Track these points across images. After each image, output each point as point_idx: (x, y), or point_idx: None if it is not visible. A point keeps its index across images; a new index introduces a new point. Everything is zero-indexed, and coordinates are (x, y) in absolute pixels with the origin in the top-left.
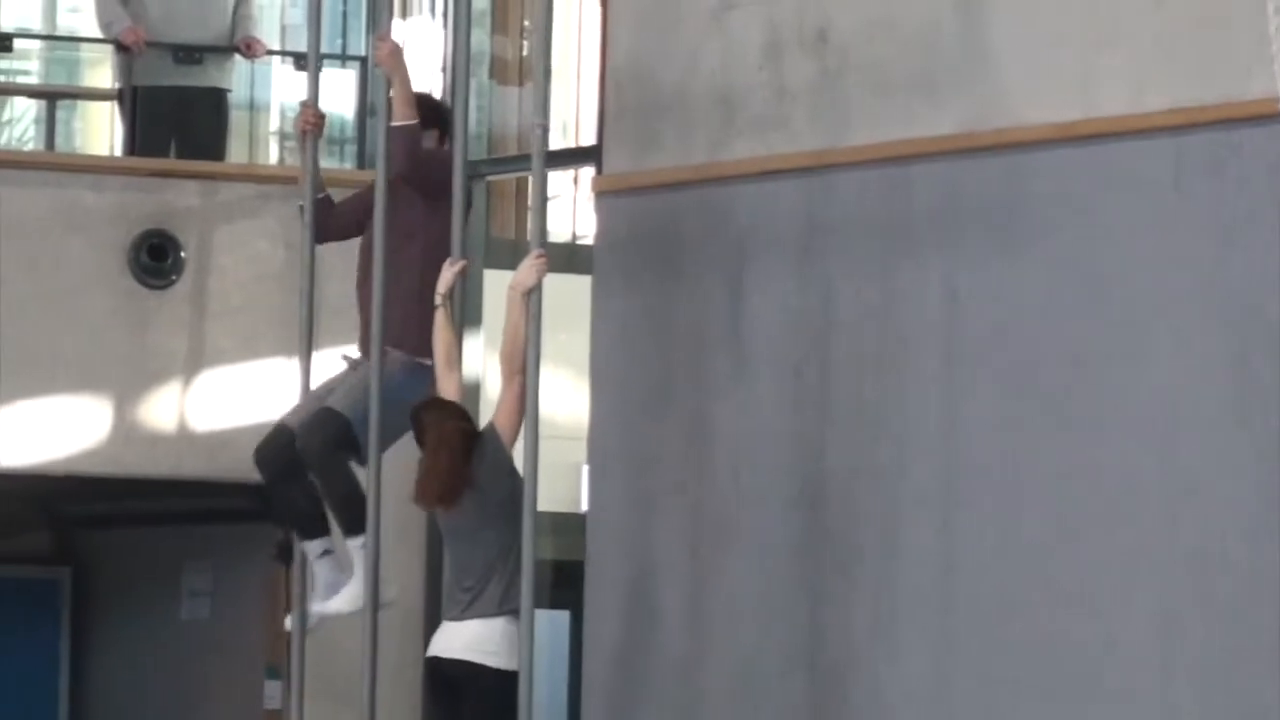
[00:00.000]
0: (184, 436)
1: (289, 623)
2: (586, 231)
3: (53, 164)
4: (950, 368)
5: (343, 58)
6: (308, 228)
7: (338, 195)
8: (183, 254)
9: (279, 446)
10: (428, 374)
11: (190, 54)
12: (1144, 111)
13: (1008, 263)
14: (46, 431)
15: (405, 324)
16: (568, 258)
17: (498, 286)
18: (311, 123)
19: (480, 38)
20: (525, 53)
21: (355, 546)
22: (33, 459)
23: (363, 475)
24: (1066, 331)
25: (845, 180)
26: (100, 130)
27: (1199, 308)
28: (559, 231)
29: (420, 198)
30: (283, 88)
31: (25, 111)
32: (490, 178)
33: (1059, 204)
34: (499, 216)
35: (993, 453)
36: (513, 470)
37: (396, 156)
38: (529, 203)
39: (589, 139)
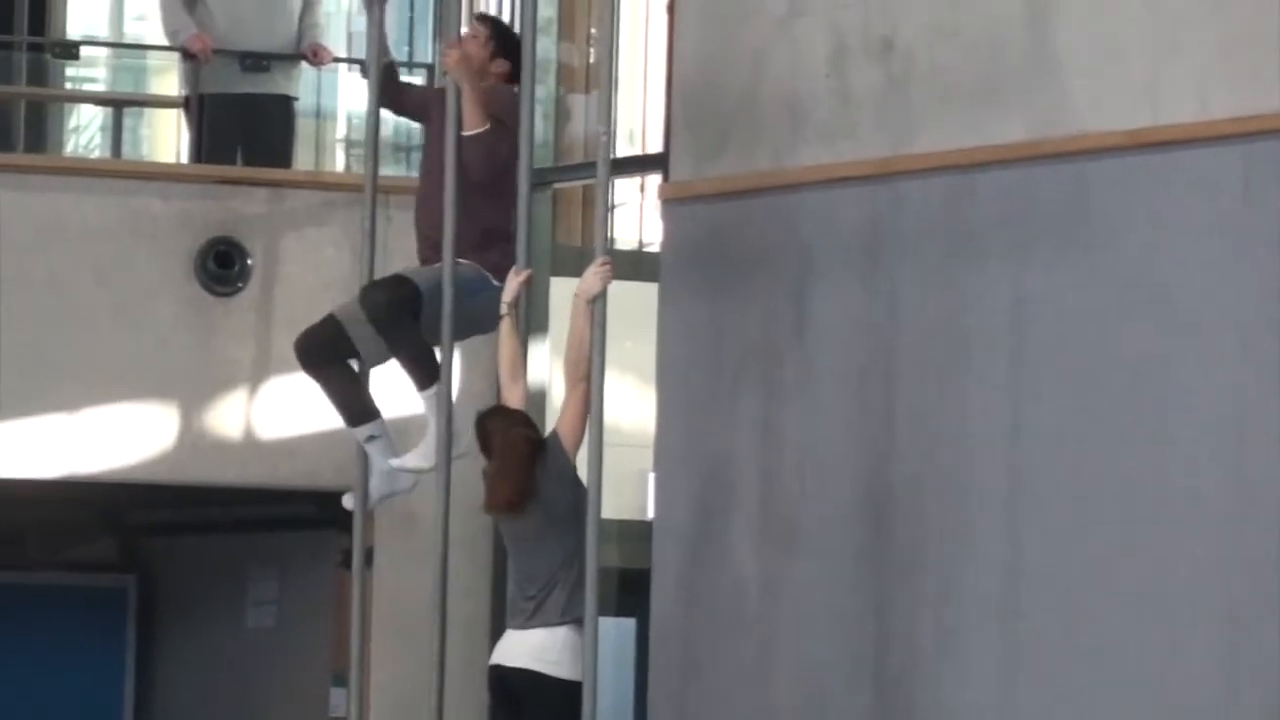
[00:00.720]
0: (250, 444)
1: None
2: (653, 238)
3: (120, 171)
4: (1016, 375)
5: (409, 65)
6: (368, 236)
7: (403, 203)
8: (249, 261)
9: (324, 337)
10: (494, 291)
11: (257, 61)
12: (1211, 119)
13: (1074, 270)
14: (113, 439)
15: (483, 249)
16: (634, 265)
17: (564, 294)
18: None
19: (546, 45)
20: (591, 60)
21: (429, 396)
22: (99, 466)
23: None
24: (1133, 338)
25: (911, 187)
26: (167, 138)
27: (1266, 314)
28: (625, 238)
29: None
30: (349, 95)
31: (92, 119)
32: (557, 185)
33: (1125, 211)
34: (565, 223)
35: (1059, 460)
36: (576, 479)
37: (473, 166)
38: (595, 210)
39: (655, 146)
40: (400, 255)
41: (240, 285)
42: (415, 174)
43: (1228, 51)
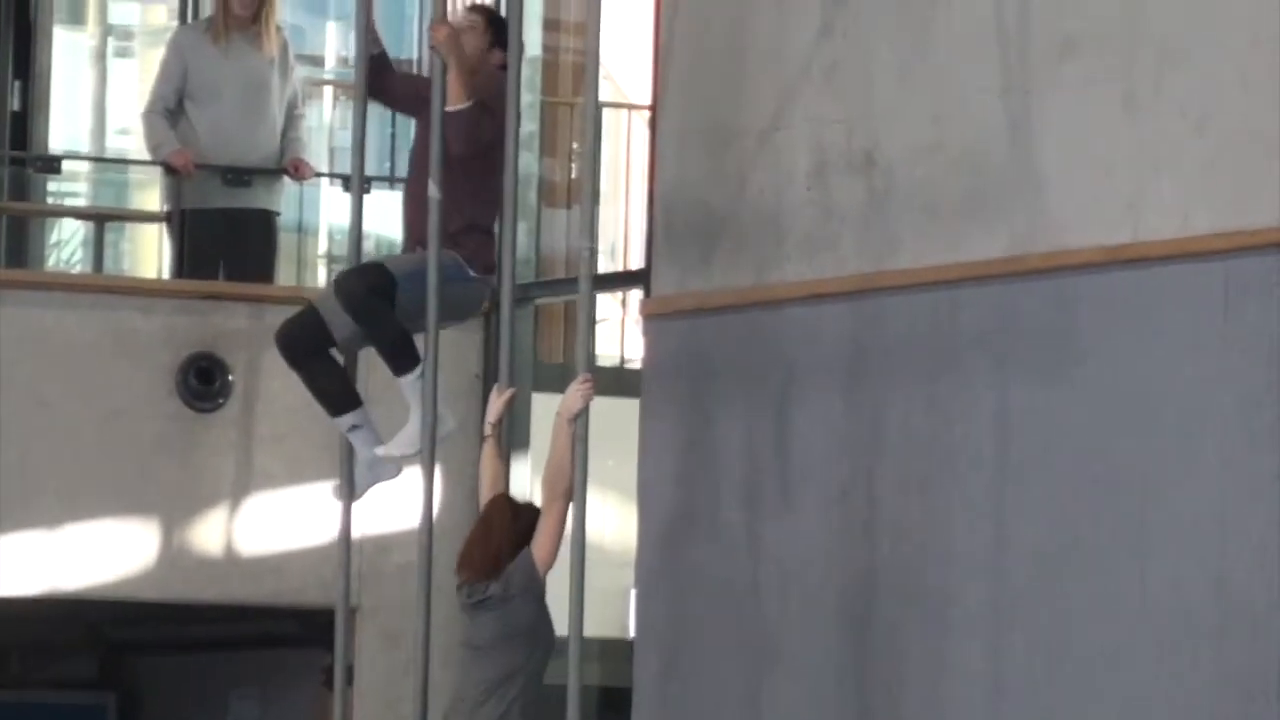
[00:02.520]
0: (231, 561)
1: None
2: (635, 354)
3: (101, 286)
4: (1000, 490)
5: (391, 180)
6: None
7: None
8: (230, 377)
9: (304, 325)
10: (474, 285)
11: (239, 176)
12: (1192, 234)
13: (1057, 385)
14: (94, 555)
15: (462, 235)
16: (616, 381)
17: (546, 410)
18: None
19: (529, 160)
20: (574, 175)
21: (410, 382)
22: (80, 583)
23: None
24: (1116, 453)
25: (893, 303)
26: (149, 252)
27: (1248, 428)
28: (607, 354)
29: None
30: (331, 210)
31: (74, 234)
32: (539, 301)
33: (1108, 326)
34: (547, 340)
35: (1042, 576)
36: (540, 598)
37: (453, 141)
38: (577, 326)
39: (637, 262)
40: (382, 370)
41: (221, 401)
42: None
43: (1209, 168)
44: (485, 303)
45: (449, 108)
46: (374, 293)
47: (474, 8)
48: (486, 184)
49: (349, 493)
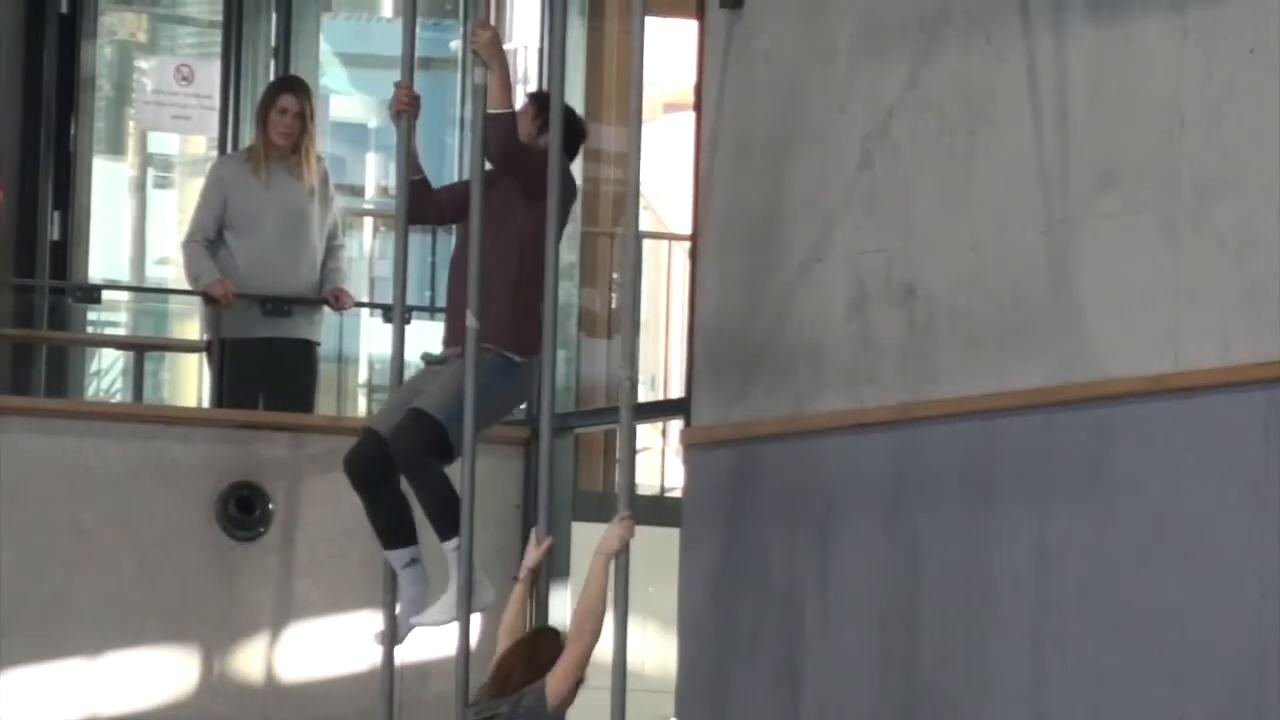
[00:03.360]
0: (272, 689)
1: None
2: (675, 483)
3: (141, 416)
4: (1039, 622)
5: (431, 310)
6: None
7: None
8: (270, 506)
9: (368, 455)
10: (518, 370)
11: (279, 306)
12: (1231, 364)
13: (1096, 516)
14: (135, 683)
15: (499, 320)
16: (656, 510)
17: (585, 540)
18: (405, 103)
19: (569, 290)
20: (614, 305)
21: (453, 549)
22: (121, 710)
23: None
24: (1155, 586)
25: (933, 433)
26: (188, 382)
27: None
28: (648, 483)
29: (519, 194)
30: (371, 340)
31: (114, 363)
32: (579, 430)
33: (1148, 458)
34: (587, 469)
35: (1081, 707)
36: None
37: (491, 144)
38: (617, 456)
39: (677, 391)
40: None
41: (262, 530)
42: None
43: (1249, 298)
44: (532, 386)
45: (490, 110)
46: (426, 451)
47: (531, 96)
48: (527, 265)
49: (392, 635)
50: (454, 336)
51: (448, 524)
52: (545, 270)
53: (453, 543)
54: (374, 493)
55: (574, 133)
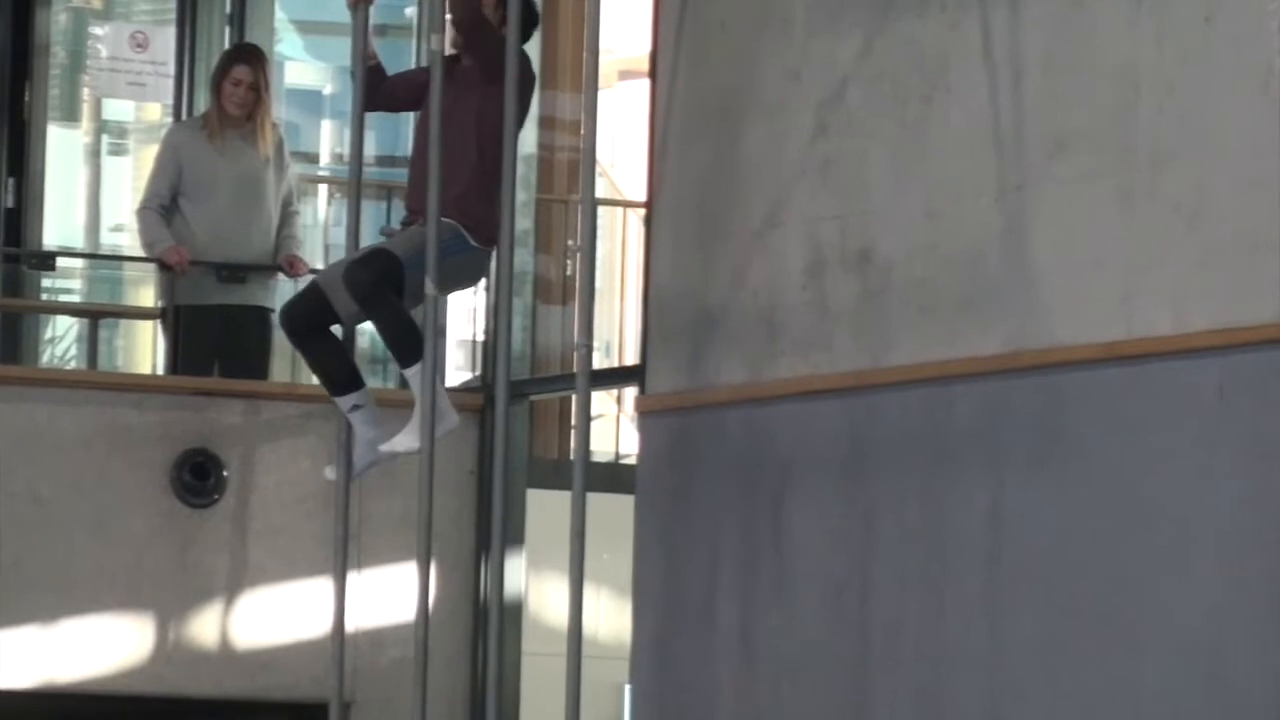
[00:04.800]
0: (226, 656)
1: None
2: (630, 450)
3: (95, 383)
4: (993, 587)
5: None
6: (344, 449)
7: (380, 417)
8: (225, 473)
9: (309, 306)
10: (476, 253)
11: (233, 273)
12: (1185, 331)
13: (1051, 482)
14: (89, 650)
15: (465, 196)
16: (611, 476)
17: (540, 506)
18: None
19: (524, 257)
20: (569, 272)
21: (414, 374)
22: (75, 676)
23: None
24: (1110, 551)
25: (888, 400)
26: (143, 349)
27: (1241, 526)
28: (602, 450)
29: (478, 77)
30: None
31: (68, 330)
32: (534, 397)
33: (1102, 423)
34: (543, 436)
35: (1036, 674)
36: None
37: (457, 19)
38: (572, 422)
39: (632, 358)
40: (377, 467)
41: (216, 497)
42: (392, 385)
43: (1202, 265)
44: (485, 274)
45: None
46: (381, 281)
47: None
48: (486, 153)
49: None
50: (416, 209)
51: (408, 350)
52: (504, 160)
53: (415, 368)
54: (310, 343)
55: (530, 17)
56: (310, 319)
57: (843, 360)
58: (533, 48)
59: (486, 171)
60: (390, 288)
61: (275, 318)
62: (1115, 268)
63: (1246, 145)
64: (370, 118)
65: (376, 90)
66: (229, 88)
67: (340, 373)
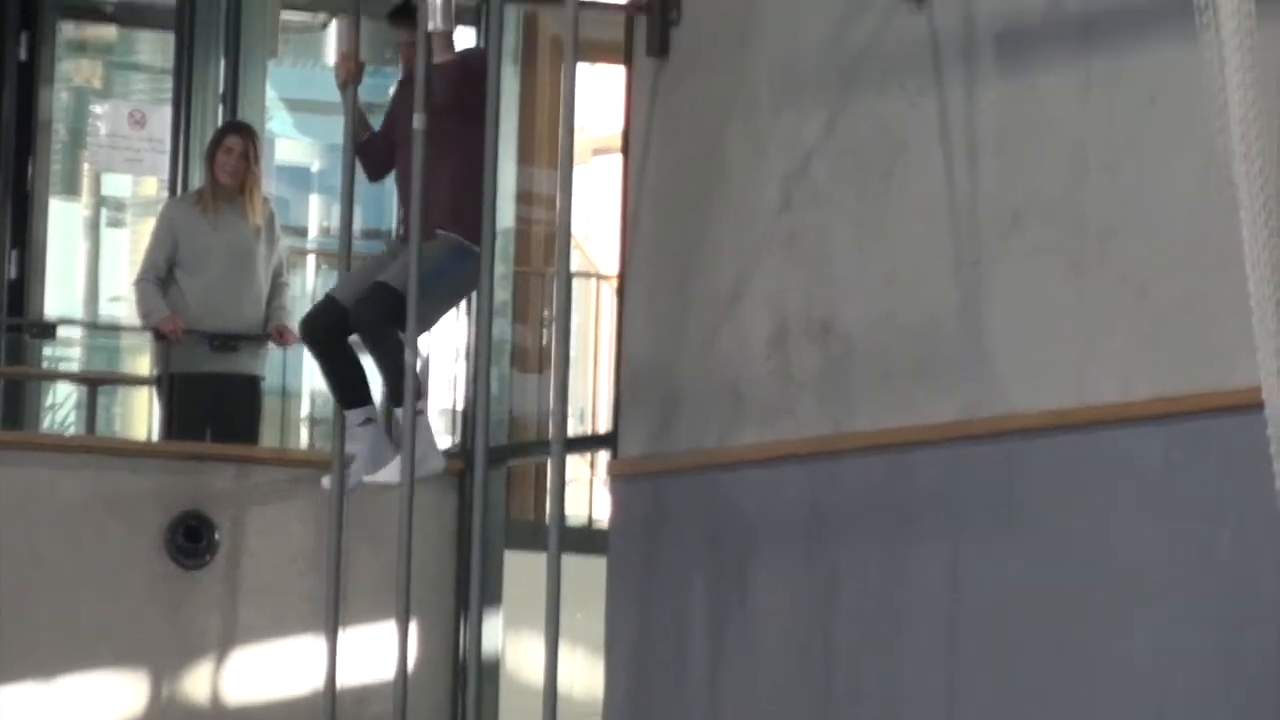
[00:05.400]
0: (218, 713)
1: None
2: (602, 514)
3: (93, 447)
4: (950, 648)
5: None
6: (334, 490)
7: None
8: (217, 535)
9: (328, 319)
10: (474, 259)
11: (225, 342)
12: (1133, 399)
13: (1007, 545)
14: (87, 706)
15: (456, 209)
16: (584, 539)
17: (517, 567)
18: (351, 71)
19: (502, 326)
20: (545, 342)
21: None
22: None
23: None
24: (1061, 611)
25: (849, 465)
26: (139, 415)
27: (1188, 589)
28: (576, 514)
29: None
30: (313, 375)
31: (68, 397)
32: (511, 462)
33: (1055, 488)
34: (519, 499)
35: None
36: None
37: (440, 91)
38: (548, 487)
39: (605, 425)
40: (362, 529)
41: (209, 558)
42: None
43: (1149, 335)
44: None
45: (435, 60)
46: (388, 322)
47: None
48: (473, 162)
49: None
50: (408, 226)
51: (401, 390)
52: (485, 170)
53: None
54: (329, 354)
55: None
56: (331, 332)
57: (806, 427)
58: (509, 126)
59: (471, 171)
60: (397, 325)
61: (265, 385)
62: (1067, 337)
63: (1191, 220)
64: (356, 192)
65: (377, 158)
66: (221, 157)
67: (354, 387)
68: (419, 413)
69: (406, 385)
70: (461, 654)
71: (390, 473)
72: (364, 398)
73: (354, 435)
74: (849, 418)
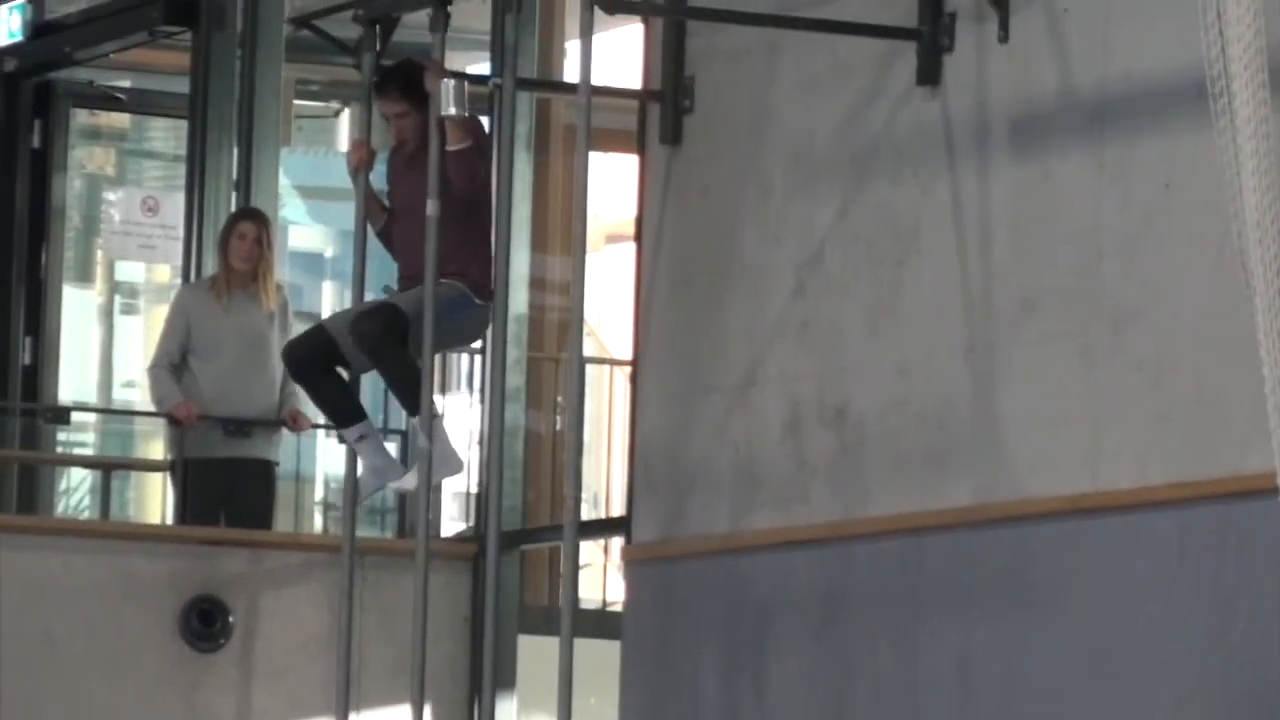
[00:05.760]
0: None
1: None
2: (616, 598)
3: (108, 532)
4: None
5: (385, 430)
6: (345, 595)
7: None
8: (231, 619)
9: (312, 345)
10: (478, 310)
11: (239, 427)
12: (1147, 485)
13: (1018, 630)
14: None
15: (462, 264)
16: (598, 623)
17: (532, 653)
18: (364, 158)
19: (515, 412)
20: (558, 427)
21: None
22: None
23: None
24: (1073, 696)
25: (862, 550)
26: (153, 500)
27: (1200, 674)
28: (590, 598)
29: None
30: (326, 460)
31: (82, 481)
32: (525, 547)
33: (1067, 573)
34: (533, 583)
35: None
36: None
37: (458, 179)
38: (561, 571)
39: (619, 509)
40: (375, 612)
41: (223, 641)
42: (389, 534)
43: (1163, 421)
44: (487, 328)
45: (450, 147)
46: (389, 334)
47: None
48: (480, 219)
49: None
50: (410, 275)
51: (415, 398)
52: (496, 228)
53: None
54: (313, 381)
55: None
56: (313, 359)
57: (819, 512)
58: (522, 212)
59: (474, 229)
60: (396, 339)
61: (279, 470)
62: (1080, 423)
63: (1204, 306)
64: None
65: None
66: (234, 243)
67: (344, 406)
68: (436, 416)
69: (424, 393)
70: None
71: (410, 480)
72: (355, 415)
73: (358, 452)
74: (862, 503)
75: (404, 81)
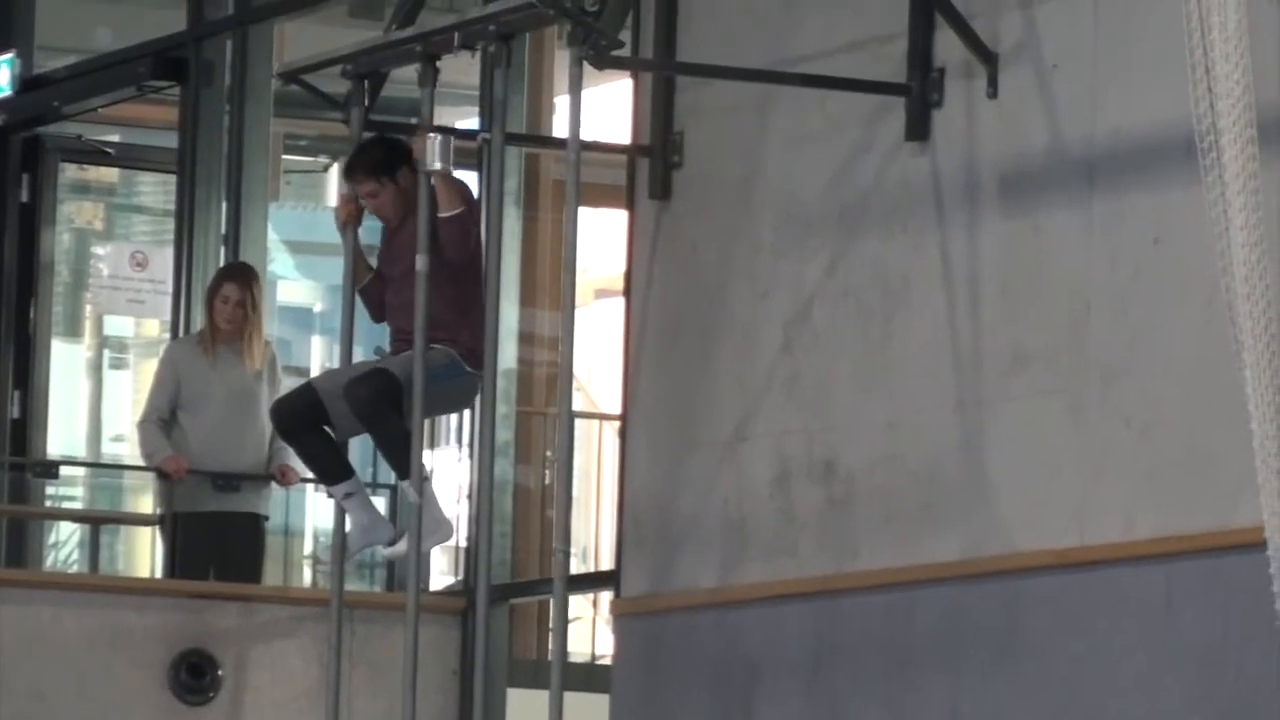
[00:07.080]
0: None
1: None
2: (605, 652)
3: (97, 586)
4: None
5: (373, 486)
6: (334, 649)
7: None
8: (220, 672)
9: (300, 405)
10: (468, 378)
11: (228, 481)
12: (1135, 539)
13: (1007, 683)
14: None
15: (453, 331)
16: (587, 677)
17: (521, 706)
18: (352, 213)
19: (504, 467)
20: (547, 481)
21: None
22: None
23: None
24: None
25: (851, 604)
26: (143, 553)
27: None
28: (579, 651)
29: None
30: (315, 514)
31: (71, 535)
32: (514, 601)
33: (1056, 627)
34: (522, 637)
35: None
36: None
37: (451, 245)
38: (550, 625)
39: (608, 563)
40: (365, 666)
41: (212, 695)
42: (378, 588)
43: (1151, 475)
44: (476, 396)
45: (442, 213)
46: (382, 399)
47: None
48: (472, 285)
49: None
50: (402, 338)
51: (407, 463)
52: (485, 295)
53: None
54: (301, 439)
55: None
56: (300, 418)
57: (808, 566)
58: (511, 267)
59: (466, 295)
60: (389, 404)
61: (268, 524)
62: (1068, 478)
63: (1193, 361)
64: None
65: (381, 299)
66: (219, 304)
67: (332, 464)
68: (426, 479)
69: (413, 454)
70: None
71: (401, 547)
72: (343, 473)
73: (346, 508)
74: (851, 557)
75: (368, 163)
